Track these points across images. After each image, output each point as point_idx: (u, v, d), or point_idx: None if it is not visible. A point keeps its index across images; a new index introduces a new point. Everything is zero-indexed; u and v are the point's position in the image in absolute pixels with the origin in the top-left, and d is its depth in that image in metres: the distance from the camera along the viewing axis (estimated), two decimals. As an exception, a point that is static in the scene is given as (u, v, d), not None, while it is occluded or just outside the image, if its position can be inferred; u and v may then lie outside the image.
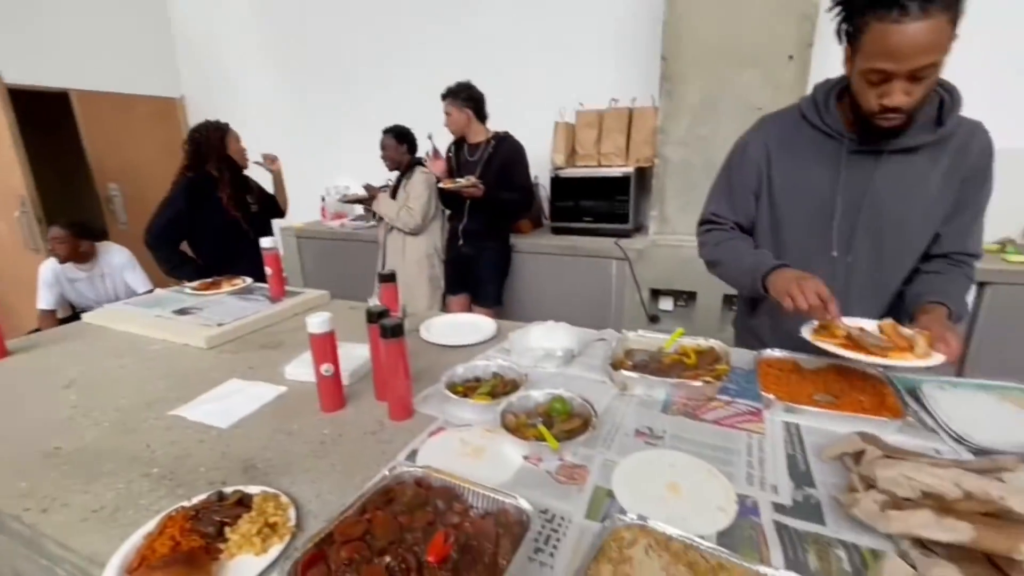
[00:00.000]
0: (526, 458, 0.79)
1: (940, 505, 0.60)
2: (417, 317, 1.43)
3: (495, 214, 2.53)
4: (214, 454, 0.83)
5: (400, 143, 2.62)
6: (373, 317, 0.92)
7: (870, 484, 0.65)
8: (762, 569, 0.53)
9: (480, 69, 2.71)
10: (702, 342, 1.12)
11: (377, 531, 0.61)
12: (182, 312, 1.48)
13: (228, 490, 0.71)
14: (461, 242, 2.57)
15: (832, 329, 0.93)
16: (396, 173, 2.71)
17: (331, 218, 3.64)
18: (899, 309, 1.09)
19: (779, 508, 0.66)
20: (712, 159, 2.39)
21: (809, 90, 2.27)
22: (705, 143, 2.38)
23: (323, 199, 3.69)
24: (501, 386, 0.96)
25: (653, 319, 2.58)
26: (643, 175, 2.68)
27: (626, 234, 2.67)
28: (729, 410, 0.91)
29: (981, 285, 1.99)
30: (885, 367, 0.89)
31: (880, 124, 0.91)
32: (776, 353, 1.07)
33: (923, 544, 0.57)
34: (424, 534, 0.61)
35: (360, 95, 3.68)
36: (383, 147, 2.64)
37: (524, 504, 0.63)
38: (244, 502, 0.68)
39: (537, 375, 1.06)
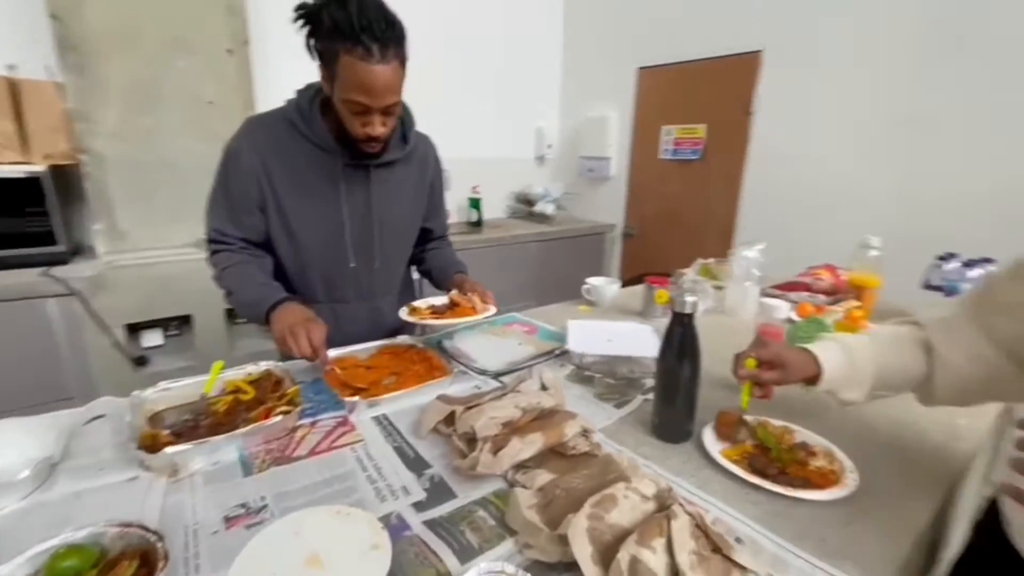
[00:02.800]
0: None
1: (512, 428, 0.75)
2: None
3: None
4: None
5: None
6: None
7: (470, 438, 0.73)
8: (450, 580, 0.50)
9: None
10: (252, 368, 0.94)
11: None
12: None
13: None
14: None
15: (419, 309, 1.09)
16: None
17: None
18: (411, 290, 1.32)
19: (419, 506, 0.64)
20: (166, 156, 2.02)
21: (257, 86, 2.24)
22: (153, 137, 1.96)
23: None
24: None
25: (140, 361, 1.98)
26: (65, 177, 1.93)
27: (60, 260, 1.87)
28: (318, 432, 0.80)
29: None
30: (467, 324, 1.09)
31: (365, 150, 1.00)
32: (332, 353, 1.04)
33: (520, 465, 0.70)
34: None
35: None
36: None
37: None
38: None
39: (-16, 532, 0.58)
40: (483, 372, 1.04)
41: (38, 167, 1.79)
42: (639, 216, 3.43)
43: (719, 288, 1.56)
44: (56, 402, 1.81)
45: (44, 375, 1.80)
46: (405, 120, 1.13)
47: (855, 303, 1.39)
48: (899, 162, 2.18)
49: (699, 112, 2.93)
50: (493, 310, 1.10)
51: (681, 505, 0.57)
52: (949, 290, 1.49)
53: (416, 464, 0.73)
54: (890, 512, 0.65)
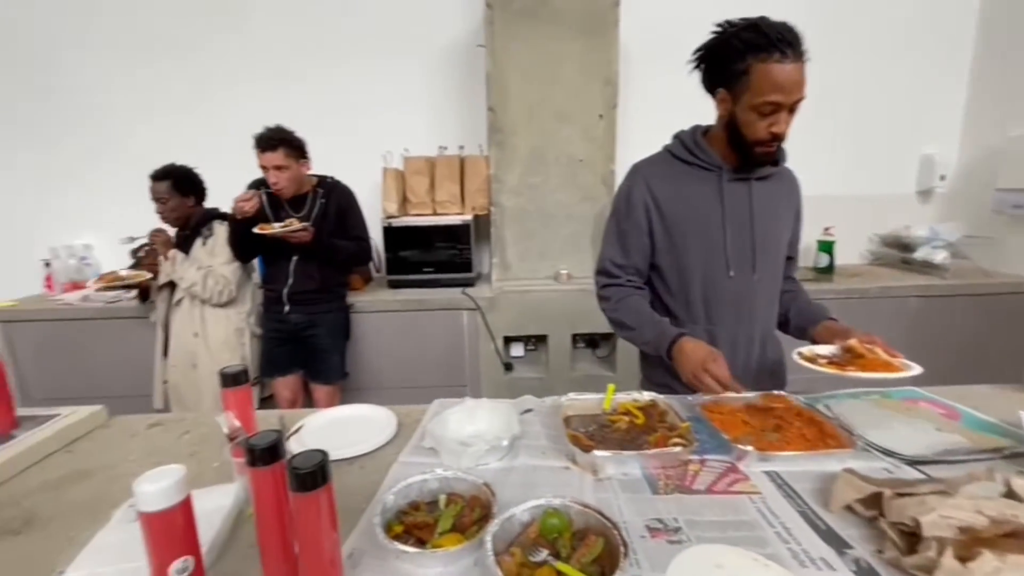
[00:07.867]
0: (549, 618, 0.56)
1: (975, 538, 0.60)
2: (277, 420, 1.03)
3: (329, 270, 2.15)
4: None
5: (184, 193, 2.04)
6: (262, 456, 0.57)
7: (909, 532, 0.63)
8: None
9: (281, 106, 2.33)
10: (638, 396, 1.05)
11: None
12: None
13: None
14: (287, 308, 2.10)
15: (814, 355, 1.02)
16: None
17: (63, 289, 2.62)
18: (786, 320, 1.27)
19: (849, 587, 0.59)
20: (544, 206, 2.50)
21: (620, 144, 2.53)
22: (537, 191, 2.47)
23: (47, 264, 2.65)
24: (468, 511, 0.70)
25: (507, 367, 2.50)
26: (479, 223, 2.64)
27: (469, 283, 2.57)
28: (710, 473, 0.83)
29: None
30: (888, 381, 0.95)
31: (764, 151, 1.06)
32: (707, 396, 1.06)
33: (994, 589, 0.56)
34: None
35: (115, 123, 2.76)
36: (159, 199, 2.01)
37: None
38: None
39: (482, 475, 0.82)
40: (891, 454, 0.88)
41: (468, 216, 2.52)
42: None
43: None
44: (455, 386, 2.48)
45: (449, 363, 2.47)
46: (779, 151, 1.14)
47: None
48: None
49: None
50: (919, 368, 0.93)
51: None
52: None
53: (831, 538, 0.67)
54: None
